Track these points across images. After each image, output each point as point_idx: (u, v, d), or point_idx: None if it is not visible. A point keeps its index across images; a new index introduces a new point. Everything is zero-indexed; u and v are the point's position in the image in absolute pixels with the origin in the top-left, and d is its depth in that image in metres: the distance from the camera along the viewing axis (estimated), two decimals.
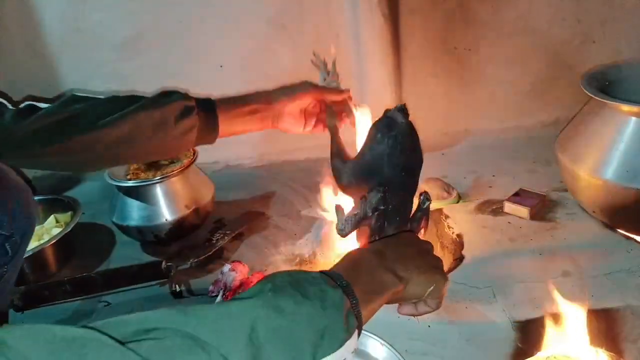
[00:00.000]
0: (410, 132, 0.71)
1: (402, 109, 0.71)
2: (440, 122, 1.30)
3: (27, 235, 0.75)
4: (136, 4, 1.19)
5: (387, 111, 0.72)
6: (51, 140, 0.71)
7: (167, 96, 0.78)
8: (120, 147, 0.74)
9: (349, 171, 0.74)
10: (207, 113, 0.81)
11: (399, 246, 0.62)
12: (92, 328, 0.36)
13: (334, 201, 0.83)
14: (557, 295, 0.74)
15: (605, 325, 0.73)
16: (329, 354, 0.45)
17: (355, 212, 0.67)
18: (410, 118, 0.72)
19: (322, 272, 0.53)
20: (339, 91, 0.89)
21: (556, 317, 0.72)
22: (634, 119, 0.77)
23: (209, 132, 0.82)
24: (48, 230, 1.04)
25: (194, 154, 1.03)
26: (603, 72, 0.90)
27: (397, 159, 0.69)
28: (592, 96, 0.81)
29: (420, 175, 0.76)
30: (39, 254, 0.94)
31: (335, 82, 0.90)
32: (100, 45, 1.23)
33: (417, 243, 0.65)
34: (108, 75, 1.24)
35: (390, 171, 0.69)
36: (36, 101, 0.75)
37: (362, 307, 0.50)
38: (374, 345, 0.71)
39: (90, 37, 1.22)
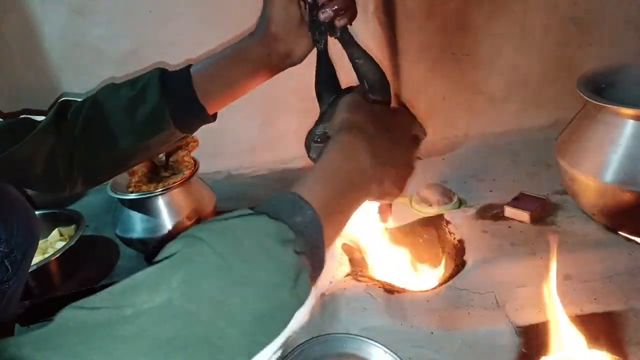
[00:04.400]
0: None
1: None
2: (439, 127, 1.30)
3: (29, 252, 0.73)
4: (134, 19, 1.20)
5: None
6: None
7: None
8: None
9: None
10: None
11: (379, 136, 0.50)
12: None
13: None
14: (558, 299, 0.74)
15: (609, 329, 0.73)
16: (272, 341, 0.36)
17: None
18: None
19: (280, 198, 0.42)
20: None
21: (559, 321, 0.72)
22: (631, 121, 0.78)
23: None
24: (52, 244, 1.04)
25: (195, 164, 1.04)
26: (599, 75, 0.90)
27: None
28: (588, 99, 0.81)
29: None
30: (43, 268, 0.95)
31: None
32: (100, 59, 1.24)
33: (397, 124, 0.55)
34: None
35: None
36: (31, 114, 0.73)
37: (329, 229, 0.42)
38: (377, 353, 0.72)
39: (90, 52, 1.23)
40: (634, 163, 0.77)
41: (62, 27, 1.22)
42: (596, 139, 0.82)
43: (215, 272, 0.36)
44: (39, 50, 1.23)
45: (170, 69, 0.70)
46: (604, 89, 0.88)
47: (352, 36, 0.64)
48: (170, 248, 0.37)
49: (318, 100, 0.65)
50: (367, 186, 0.48)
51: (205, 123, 0.70)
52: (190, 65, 0.69)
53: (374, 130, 0.50)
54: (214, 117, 0.70)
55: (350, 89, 0.64)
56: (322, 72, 0.65)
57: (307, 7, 0.65)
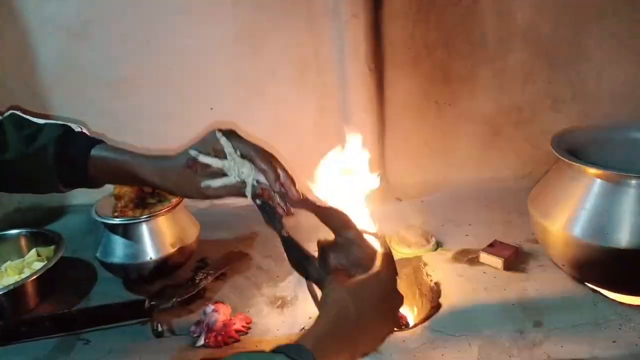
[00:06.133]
0: None
1: None
2: (420, 171, 1.35)
3: None
4: (131, 46, 1.23)
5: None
6: None
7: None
8: None
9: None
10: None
11: (371, 306, 0.64)
12: None
13: None
14: (529, 345, 0.78)
15: None
16: None
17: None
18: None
19: (290, 346, 0.55)
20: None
21: None
22: (598, 180, 0.83)
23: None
24: (29, 264, 1.03)
25: None
26: (572, 134, 0.96)
27: None
28: (559, 156, 0.87)
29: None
30: (19, 288, 0.93)
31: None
32: (94, 83, 1.26)
33: (387, 297, 0.66)
34: (100, 112, 1.27)
35: None
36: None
37: None
38: None
39: (84, 75, 1.26)
40: (600, 219, 0.82)
41: (58, 50, 1.24)
42: (566, 194, 0.87)
43: None
44: (33, 71, 1.25)
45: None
46: (577, 147, 0.94)
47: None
48: None
49: (301, 274, 0.72)
50: (354, 337, 0.61)
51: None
52: (93, 144, 0.74)
53: (357, 302, 0.62)
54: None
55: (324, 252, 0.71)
56: (293, 255, 0.71)
57: (263, 211, 0.70)
